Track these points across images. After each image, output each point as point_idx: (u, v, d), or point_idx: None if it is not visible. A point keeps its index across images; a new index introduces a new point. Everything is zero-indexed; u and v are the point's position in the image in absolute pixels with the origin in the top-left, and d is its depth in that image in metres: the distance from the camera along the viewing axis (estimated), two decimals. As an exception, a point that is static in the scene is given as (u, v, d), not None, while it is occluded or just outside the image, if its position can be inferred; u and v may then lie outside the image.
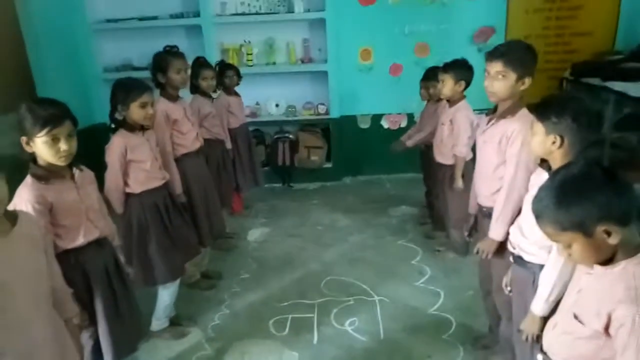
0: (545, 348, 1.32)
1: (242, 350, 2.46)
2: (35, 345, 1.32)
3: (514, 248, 1.79)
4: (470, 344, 2.41)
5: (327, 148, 5.00)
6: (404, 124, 5.05)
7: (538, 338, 1.62)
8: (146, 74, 4.05)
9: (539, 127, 1.59)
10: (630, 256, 1.12)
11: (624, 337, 1.06)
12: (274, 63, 4.92)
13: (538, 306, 1.61)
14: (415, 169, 4.49)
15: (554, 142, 1.55)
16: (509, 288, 1.91)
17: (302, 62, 4.88)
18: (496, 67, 1.88)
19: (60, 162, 1.65)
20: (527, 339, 1.65)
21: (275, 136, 4.99)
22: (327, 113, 4.93)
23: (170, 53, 2.67)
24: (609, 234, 1.09)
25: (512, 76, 1.87)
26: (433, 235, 3.65)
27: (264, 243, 3.71)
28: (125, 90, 2.21)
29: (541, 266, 1.68)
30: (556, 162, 1.62)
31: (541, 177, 1.69)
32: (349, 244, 3.60)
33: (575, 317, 1.20)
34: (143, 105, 2.22)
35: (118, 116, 2.26)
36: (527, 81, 1.89)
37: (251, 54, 4.84)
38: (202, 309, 2.82)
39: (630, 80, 3.76)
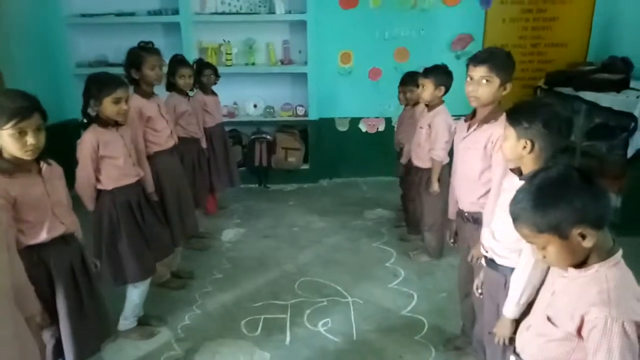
0: (518, 349, 1.33)
1: (213, 350, 2.41)
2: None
3: (487, 251, 1.80)
4: (442, 345, 2.42)
5: (304, 150, 4.99)
6: (381, 127, 5.08)
7: (511, 340, 1.64)
8: (121, 71, 3.99)
9: (511, 132, 1.61)
10: (603, 259, 1.14)
11: (596, 339, 1.07)
12: (253, 63, 4.89)
13: (509, 309, 1.61)
14: (392, 172, 4.53)
15: (524, 147, 1.57)
16: (480, 290, 1.92)
17: (282, 63, 4.87)
18: (480, 71, 1.90)
19: (27, 157, 1.59)
20: (499, 341, 1.66)
21: (253, 137, 4.95)
22: (305, 115, 4.93)
23: (145, 49, 2.63)
24: (583, 237, 1.10)
25: (497, 81, 1.90)
26: (408, 238, 3.67)
27: (238, 243, 3.66)
28: (98, 84, 2.16)
29: (512, 269, 1.68)
30: (527, 166, 1.64)
31: (512, 181, 1.70)
32: (324, 246, 3.59)
33: (549, 319, 1.21)
34: (116, 101, 2.17)
35: (91, 111, 2.20)
36: (508, 87, 1.92)
37: (230, 54, 4.80)
38: (172, 309, 2.76)
39: (601, 90, 3.86)
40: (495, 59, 1.92)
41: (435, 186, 3.03)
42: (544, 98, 4.28)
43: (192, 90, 3.49)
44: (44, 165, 1.69)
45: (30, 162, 1.63)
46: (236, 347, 2.44)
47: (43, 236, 1.69)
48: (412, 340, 2.48)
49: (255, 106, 5.02)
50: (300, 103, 4.94)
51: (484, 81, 1.92)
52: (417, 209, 3.46)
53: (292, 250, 3.52)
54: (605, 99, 3.78)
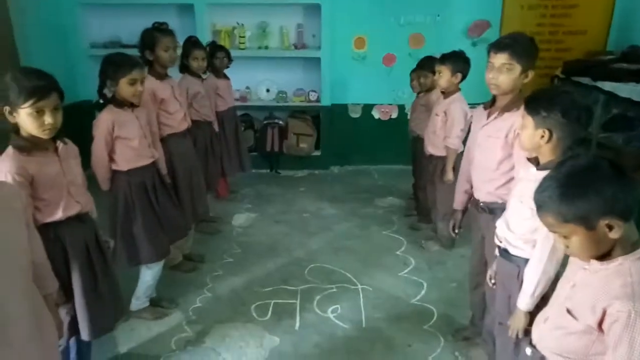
0: (535, 341, 1.32)
1: (223, 333, 2.43)
2: (10, 319, 1.27)
3: (500, 241, 1.78)
4: (451, 334, 2.42)
5: (316, 136, 4.97)
6: (394, 115, 5.03)
7: (526, 332, 1.63)
8: (135, 52, 3.96)
9: (529, 121, 1.58)
10: (627, 252, 1.11)
11: (617, 333, 1.05)
12: (267, 47, 4.85)
13: (524, 302, 1.61)
14: (404, 160, 4.50)
15: (542, 136, 1.54)
16: (493, 281, 1.91)
17: (295, 47, 4.82)
18: (502, 59, 1.86)
19: (44, 135, 1.60)
20: (513, 334, 1.65)
21: (265, 122, 4.94)
22: (318, 100, 4.89)
23: (159, 30, 2.61)
24: (611, 228, 1.08)
25: (518, 68, 1.85)
26: (418, 227, 3.65)
27: (248, 228, 3.67)
28: (114, 65, 2.17)
29: (526, 260, 1.68)
30: (544, 156, 1.61)
31: (529, 171, 1.68)
32: (335, 233, 3.59)
33: (569, 311, 1.19)
34: (132, 82, 2.18)
35: (107, 92, 2.21)
36: (530, 74, 1.87)
37: (244, 37, 4.76)
38: (183, 292, 2.78)
39: (620, 80, 3.77)
40: (517, 45, 1.87)
41: (449, 175, 3.00)
42: (563, 86, 4.20)
43: (205, 73, 3.47)
44: (60, 144, 1.69)
45: (47, 141, 1.64)
46: (246, 330, 2.46)
47: (59, 214, 1.70)
48: (421, 329, 2.48)
49: (267, 91, 5.00)
50: (313, 88, 4.90)
51: (505, 69, 1.87)
52: (428, 197, 3.44)
53: (303, 236, 3.53)
54: (624, 89, 3.69)
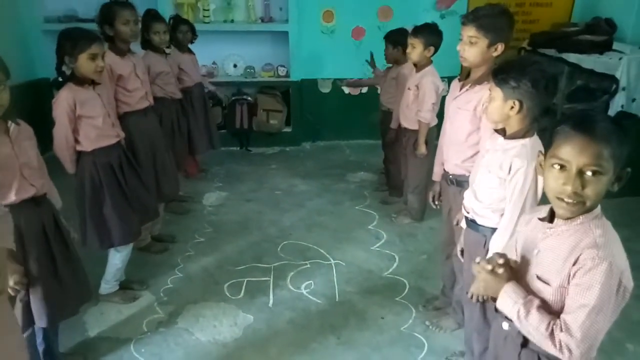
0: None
1: (196, 313, 2.42)
2: None
3: (468, 212, 1.81)
4: (422, 305, 2.47)
5: (286, 112, 4.90)
6: (364, 89, 4.99)
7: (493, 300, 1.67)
8: (93, 27, 3.79)
9: (497, 92, 1.59)
10: (588, 212, 1.16)
11: (579, 276, 1.10)
12: (232, 21, 4.71)
13: (488, 268, 1.64)
14: (375, 135, 4.49)
15: (512, 107, 1.56)
16: (460, 255, 1.94)
17: (262, 21, 4.70)
18: (468, 31, 1.85)
19: None
20: (477, 299, 1.69)
21: (233, 98, 4.83)
22: (287, 75, 4.81)
23: (118, 3, 2.50)
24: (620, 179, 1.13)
25: (484, 42, 1.85)
26: (389, 200, 3.68)
27: (220, 207, 3.63)
28: (72, 40, 2.06)
29: (493, 229, 1.71)
30: (512, 127, 1.63)
31: (497, 142, 1.70)
32: (307, 209, 3.58)
33: (539, 278, 1.22)
34: (93, 57, 2.08)
35: (66, 69, 2.10)
36: (500, 47, 1.86)
37: (208, 10, 4.61)
38: (154, 273, 2.74)
39: (584, 52, 3.84)
40: (485, 18, 1.85)
41: (422, 148, 3.02)
42: (530, 57, 4.24)
43: (169, 47, 3.35)
44: (11, 125, 1.61)
45: None
46: (219, 309, 2.45)
47: (11, 197, 1.63)
48: (393, 301, 2.53)
49: (235, 66, 4.88)
50: (282, 63, 4.81)
51: (470, 42, 1.87)
52: (399, 171, 3.46)
53: (275, 213, 3.51)
54: (588, 61, 3.77)
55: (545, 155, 1.21)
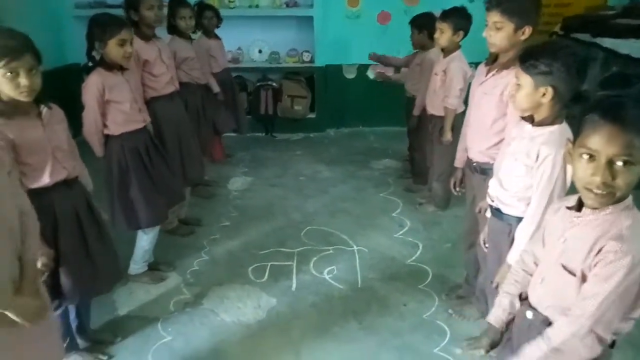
0: (534, 304, 1.32)
1: (221, 295, 2.47)
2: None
3: (492, 200, 1.78)
4: (445, 294, 2.46)
5: (311, 98, 4.89)
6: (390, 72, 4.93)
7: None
8: (121, 12, 3.85)
9: (526, 80, 1.53)
10: (617, 202, 1.13)
11: (599, 268, 1.09)
12: (257, 6, 4.71)
13: (515, 257, 1.62)
14: (399, 122, 4.44)
15: (544, 95, 1.51)
16: (486, 244, 1.92)
17: (287, 5, 4.68)
18: (494, 17, 1.81)
19: (22, 98, 1.55)
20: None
21: (258, 84, 4.85)
22: (312, 61, 4.79)
23: None
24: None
25: (510, 26, 1.79)
26: (414, 188, 3.65)
27: (245, 192, 3.67)
28: (102, 26, 2.10)
29: (518, 218, 1.69)
30: (541, 114, 1.58)
31: (524, 129, 1.66)
32: (331, 195, 3.59)
33: (564, 267, 1.20)
34: (121, 43, 2.12)
35: (95, 54, 2.15)
36: (528, 30, 1.81)
37: (233, -5, 4.61)
38: (180, 255, 2.80)
39: (620, 37, 3.70)
40: (508, 2, 1.80)
41: (448, 135, 2.98)
42: (558, 41, 4.11)
43: (194, 33, 3.38)
44: (43, 109, 1.65)
45: (28, 104, 1.60)
46: (244, 292, 2.50)
47: (45, 180, 1.68)
48: (416, 288, 2.52)
49: (260, 52, 4.89)
50: (307, 49, 4.79)
51: (496, 27, 1.82)
52: (424, 158, 3.43)
53: (299, 199, 3.53)
54: (624, 46, 3.62)
55: (573, 144, 1.18)
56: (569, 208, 1.25)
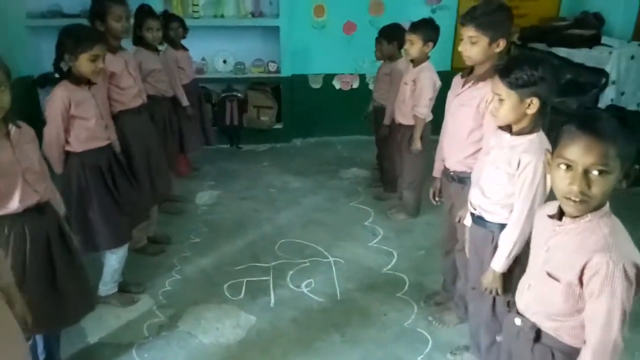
0: (522, 310, 1.35)
1: (198, 315, 2.38)
2: None
3: (475, 209, 1.81)
4: (423, 301, 2.48)
5: (277, 108, 4.85)
6: (355, 84, 4.99)
7: (498, 292, 1.70)
8: (78, 22, 3.70)
9: (509, 94, 1.55)
10: (595, 210, 1.17)
11: (598, 284, 1.11)
12: (222, 16, 4.64)
13: (499, 263, 1.66)
14: (366, 131, 4.49)
15: (529, 106, 1.55)
16: (467, 251, 1.94)
17: (252, 15, 4.64)
18: (469, 32, 1.84)
19: None
20: (488, 292, 1.71)
21: (223, 94, 4.76)
22: (277, 71, 4.76)
23: None
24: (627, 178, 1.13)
25: (485, 40, 1.83)
26: (384, 196, 3.68)
27: (214, 206, 3.58)
28: (75, 39, 2.01)
29: (500, 225, 1.72)
30: (523, 123, 1.61)
31: (503, 138, 1.70)
32: (302, 206, 3.56)
33: (549, 275, 1.23)
34: (94, 58, 2.04)
35: (64, 66, 2.05)
36: (502, 43, 1.85)
37: (197, 5, 4.52)
38: (151, 275, 2.69)
39: (573, 46, 3.89)
40: (482, 17, 1.84)
41: (417, 144, 3.02)
42: (531, 53, 4.25)
43: (161, 44, 3.28)
44: (12, 128, 1.55)
45: None
46: (221, 311, 2.42)
47: (14, 205, 1.57)
48: (395, 297, 2.53)
49: (224, 62, 4.81)
50: (272, 59, 4.76)
51: (471, 41, 1.87)
52: (393, 167, 3.46)
53: (270, 211, 3.48)
54: (578, 55, 3.82)
55: (552, 154, 1.21)
56: (550, 216, 1.28)
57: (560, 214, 1.25)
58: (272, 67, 4.76)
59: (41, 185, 1.66)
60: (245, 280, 2.66)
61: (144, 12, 3.01)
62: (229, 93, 4.75)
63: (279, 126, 4.91)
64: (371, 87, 4.81)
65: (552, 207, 1.30)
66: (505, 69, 1.57)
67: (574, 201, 1.15)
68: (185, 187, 3.81)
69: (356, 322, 2.34)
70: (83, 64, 2.01)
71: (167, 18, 3.47)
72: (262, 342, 2.21)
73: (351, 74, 4.96)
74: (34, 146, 1.66)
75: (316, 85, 4.98)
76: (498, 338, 1.72)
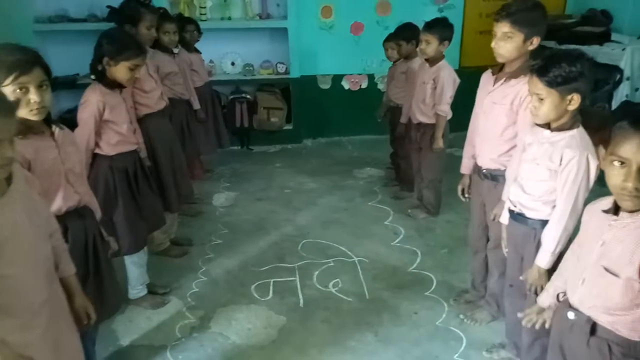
0: (575, 304, 1.35)
1: (227, 316, 2.37)
2: (35, 307, 1.22)
3: (515, 206, 1.81)
4: (453, 299, 2.48)
5: (286, 109, 4.85)
6: (364, 84, 5.00)
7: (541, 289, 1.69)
8: (82, 27, 3.71)
9: (549, 92, 1.55)
10: None
11: None
12: (230, 18, 4.63)
13: (545, 259, 1.66)
14: (376, 130, 4.52)
15: (570, 102, 1.55)
16: (506, 249, 1.95)
17: (260, 17, 4.63)
18: (503, 27, 1.84)
19: (32, 117, 1.43)
20: (532, 290, 1.71)
21: (232, 96, 4.75)
22: (286, 72, 4.75)
23: (145, 5, 2.46)
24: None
25: (520, 36, 1.83)
26: (401, 195, 3.68)
27: (231, 208, 3.57)
28: (120, 45, 2.01)
29: (542, 222, 1.72)
30: (563, 119, 1.62)
31: (542, 134, 1.70)
32: (320, 207, 3.56)
33: (606, 269, 1.23)
34: (133, 67, 2.05)
35: (99, 68, 2.04)
36: (536, 41, 1.85)
37: (205, 7, 4.52)
38: (176, 277, 2.67)
39: (584, 43, 3.90)
40: (518, 13, 1.84)
41: (439, 142, 3.03)
42: (567, 49, 4.27)
43: (176, 47, 3.27)
44: (56, 129, 1.54)
45: (39, 123, 1.49)
46: (250, 312, 2.41)
47: (58, 203, 1.57)
48: (423, 296, 2.53)
49: (233, 64, 4.80)
50: (281, 60, 4.75)
51: (506, 37, 1.86)
52: (410, 166, 3.46)
53: (288, 212, 3.47)
54: (589, 52, 3.77)
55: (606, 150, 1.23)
56: (604, 211, 1.29)
57: (615, 209, 1.26)
58: (281, 68, 4.75)
59: (81, 187, 1.66)
60: (272, 280, 2.66)
61: (161, 15, 3.00)
62: (238, 95, 4.74)
63: (289, 127, 4.91)
64: (380, 87, 4.85)
65: (606, 202, 1.31)
66: (543, 68, 1.56)
67: (629, 196, 1.16)
68: (200, 189, 3.79)
69: (388, 321, 2.34)
70: (121, 70, 2.01)
71: (182, 21, 3.47)
72: (296, 342, 2.20)
73: (360, 74, 4.97)
74: (76, 148, 1.66)
75: (325, 85, 4.99)
76: None
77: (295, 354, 2.14)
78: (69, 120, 1.75)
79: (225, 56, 4.78)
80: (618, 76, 3.52)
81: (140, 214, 2.30)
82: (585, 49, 3.81)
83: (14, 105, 1.21)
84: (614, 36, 3.96)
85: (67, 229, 1.59)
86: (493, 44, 1.92)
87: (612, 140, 1.20)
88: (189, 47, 3.50)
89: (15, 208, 1.16)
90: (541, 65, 1.59)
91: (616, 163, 1.17)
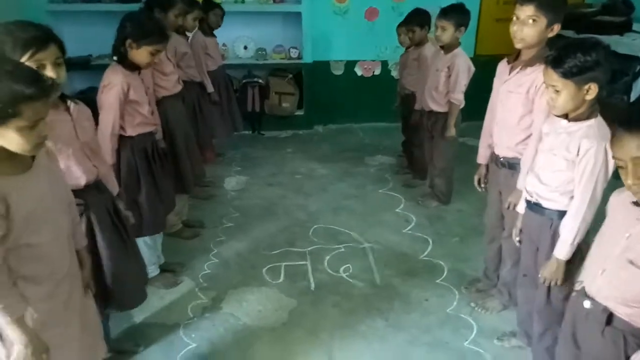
0: (592, 294, 1.35)
1: (239, 298, 2.39)
2: (59, 274, 1.28)
3: (532, 196, 1.79)
4: (464, 287, 2.48)
5: (298, 95, 4.83)
6: (377, 71, 4.95)
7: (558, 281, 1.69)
8: (96, 7, 3.68)
9: (566, 83, 1.52)
10: None
11: None
12: (243, 1, 4.58)
13: (563, 251, 1.64)
14: (388, 118, 4.49)
15: (587, 92, 1.53)
16: (517, 238, 1.93)
17: (274, 1, 4.59)
18: (527, 11, 1.80)
19: None
20: (548, 283, 1.70)
21: (244, 81, 4.73)
22: (299, 57, 4.72)
23: None
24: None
25: (544, 21, 1.80)
26: (413, 183, 3.67)
27: (242, 192, 3.58)
28: (144, 30, 2.01)
29: (560, 212, 1.70)
30: (581, 109, 1.59)
31: (560, 124, 1.67)
32: (331, 193, 3.56)
33: (631, 262, 1.22)
34: (155, 52, 2.05)
35: (122, 50, 2.03)
36: (556, 28, 1.83)
37: (219, -10, 4.48)
38: (189, 258, 2.70)
39: (603, 33, 3.83)
40: None
41: (452, 130, 3.01)
42: (582, 38, 4.21)
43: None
44: (71, 104, 1.55)
45: (55, 99, 1.48)
46: (261, 294, 2.43)
47: (78, 174, 1.57)
48: (434, 283, 2.53)
49: (245, 48, 4.77)
50: (294, 45, 4.72)
51: (530, 21, 1.83)
52: (423, 154, 3.44)
53: (299, 197, 3.48)
54: (609, 42, 3.74)
55: None
56: (634, 203, 1.27)
57: None
58: (294, 53, 4.72)
59: (99, 161, 1.68)
60: (283, 264, 2.67)
61: (190, 1, 2.99)
62: (250, 79, 4.71)
63: (300, 112, 4.89)
64: (393, 74, 4.81)
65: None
66: (558, 59, 1.53)
67: (637, 193, 1.21)
68: (212, 172, 3.80)
69: (398, 307, 2.35)
70: (143, 54, 2.01)
71: (209, 4, 3.45)
72: (307, 325, 2.22)
73: (373, 61, 4.92)
74: (92, 124, 1.66)
75: (338, 71, 4.95)
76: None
77: (306, 336, 2.16)
78: (83, 100, 1.75)
79: (238, 40, 4.75)
80: (638, 67, 3.45)
81: (159, 195, 2.31)
82: (605, 39, 3.75)
83: (53, 85, 1.21)
84: (635, 26, 3.88)
85: (86, 204, 1.60)
86: (514, 28, 1.88)
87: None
88: (210, 30, 3.48)
89: (40, 181, 1.18)
90: (555, 56, 1.55)
91: (618, 163, 1.23)
